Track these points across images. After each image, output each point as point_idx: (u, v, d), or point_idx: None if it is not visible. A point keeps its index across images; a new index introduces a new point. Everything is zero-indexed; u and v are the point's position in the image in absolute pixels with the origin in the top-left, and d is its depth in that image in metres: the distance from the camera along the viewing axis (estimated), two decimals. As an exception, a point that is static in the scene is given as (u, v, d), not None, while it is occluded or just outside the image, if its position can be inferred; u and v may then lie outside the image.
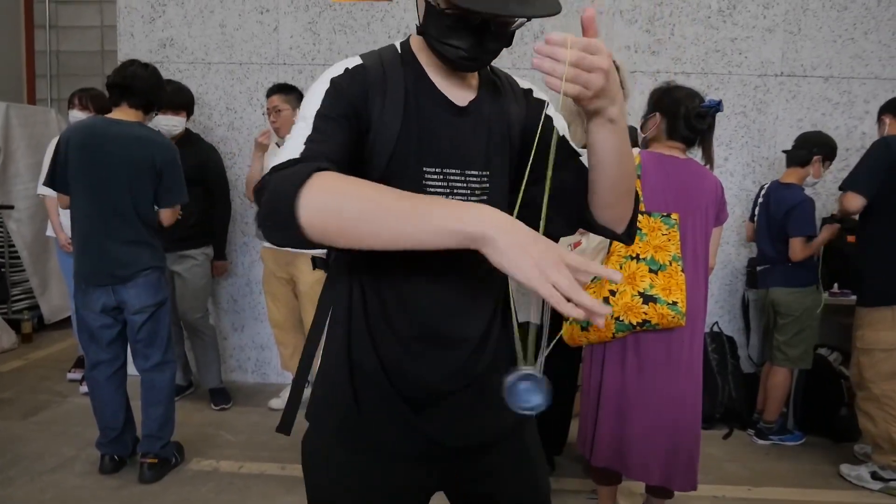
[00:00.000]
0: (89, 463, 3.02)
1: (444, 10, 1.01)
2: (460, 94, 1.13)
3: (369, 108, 1.06)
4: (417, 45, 1.14)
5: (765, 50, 3.96)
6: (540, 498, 1.30)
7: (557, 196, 1.07)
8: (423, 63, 1.13)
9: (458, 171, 1.11)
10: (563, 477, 3.06)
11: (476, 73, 1.17)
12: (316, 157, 0.93)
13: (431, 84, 1.12)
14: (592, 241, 2.31)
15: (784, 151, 3.59)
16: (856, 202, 2.98)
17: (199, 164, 3.62)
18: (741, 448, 3.51)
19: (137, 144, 2.70)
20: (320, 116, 1.00)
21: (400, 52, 1.14)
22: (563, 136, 1.18)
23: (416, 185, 1.08)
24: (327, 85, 1.04)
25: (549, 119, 1.17)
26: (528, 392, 0.93)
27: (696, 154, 2.39)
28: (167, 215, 2.86)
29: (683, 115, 2.28)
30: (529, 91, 1.24)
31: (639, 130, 2.48)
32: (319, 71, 4.02)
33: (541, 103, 1.21)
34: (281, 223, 0.88)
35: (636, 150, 2.33)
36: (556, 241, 1.10)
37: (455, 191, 1.11)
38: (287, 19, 4.09)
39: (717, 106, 2.28)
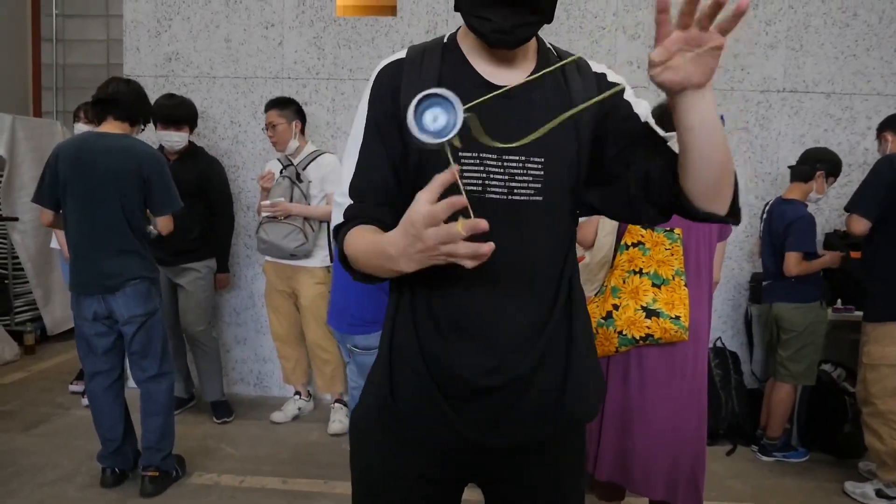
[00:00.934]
0: (90, 476, 3.02)
1: None
2: (504, 77, 1.10)
3: (402, 100, 1.07)
4: (462, 32, 1.14)
5: (767, 66, 3.97)
6: None
7: (648, 185, 1.06)
8: (465, 49, 1.12)
9: (496, 157, 1.06)
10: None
11: (532, 55, 1.14)
12: (356, 214, 1.10)
13: (470, 67, 1.11)
14: (596, 255, 2.31)
15: (789, 167, 3.59)
16: (860, 225, 2.98)
17: (203, 177, 3.64)
18: (745, 464, 3.49)
19: (124, 155, 2.74)
20: (363, 154, 1.12)
21: (445, 40, 1.15)
22: (647, 121, 1.13)
23: None
24: (366, 106, 1.12)
25: (627, 104, 1.13)
26: (432, 115, 0.84)
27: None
28: (163, 223, 2.89)
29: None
30: (603, 75, 1.17)
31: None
32: (324, 85, 4.09)
33: (617, 87, 1.12)
34: (354, 275, 1.13)
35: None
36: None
37: (491, 176, 1.06)
38: (292, 34, 4.12)
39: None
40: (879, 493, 3.04)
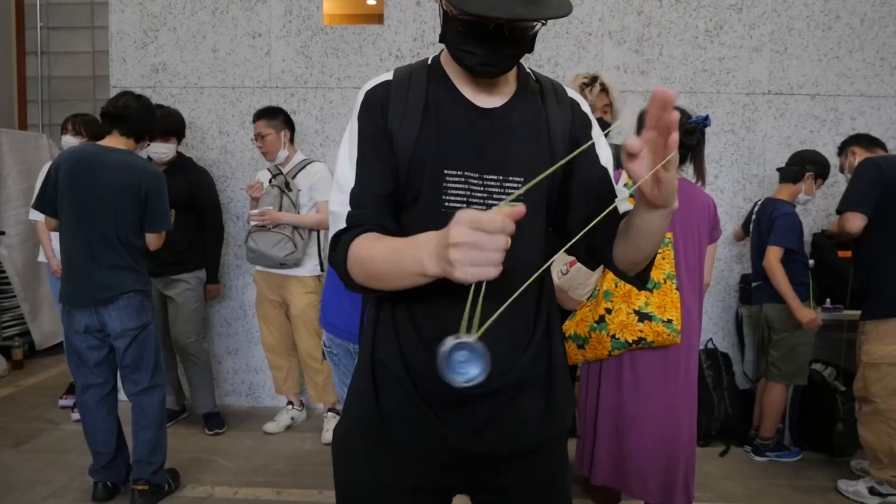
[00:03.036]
0: (82, 491, 2.98)
1: (457, 17, 1.03)
2: (487, 100, 1.14)
3: (389, 121, 1.11)
4: (446, 56, 1.17)
5: (752, 69, 4.01)
6: None
7: (590, 233, 1.10)
8: (449, 72, 1.16)
9: (477, 175, 1.11)
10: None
11: (512, 80, 1.18)
12: (360, 221, 1.09)
13: (455, 89, 1.14)
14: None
15: (777, 169, 3.62)
16: (857, 222, 2.99)
17: (191, 188, 3.63)
18: (738, 465, 3.50)
19: (125, 171, 2.74)
20: (361, 165, 1.12)
21: (430, 62, 1.18)
22: (606, 168, 1.19)
23: (436, 187, 1.10)
24: (356, 125, 1.13)
25: (592, 146, 1.17)
26: (464, 363, 0.88)
27: (689, 170, 2.41)
28: (153, 240, 2.88)
29: (672, 134, 2.30)
30: (577, 103, 1.23)
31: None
32: (312, 94, 4.09)
33: (587, 119, 1.22)
34: (350, 286, 1.11)
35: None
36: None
37: (473, 194, 1.11)
38: (279, 43, 4.12)
39: (703, 121, 2.30)
40: (872, 491, 3.05)
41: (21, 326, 5.30)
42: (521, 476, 1.20)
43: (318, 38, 4.10)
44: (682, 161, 2.38)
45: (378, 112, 1.12)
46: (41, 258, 4.01)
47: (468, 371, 0.88)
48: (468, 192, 1.11)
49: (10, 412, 4.11)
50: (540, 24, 1.04)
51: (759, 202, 3.61)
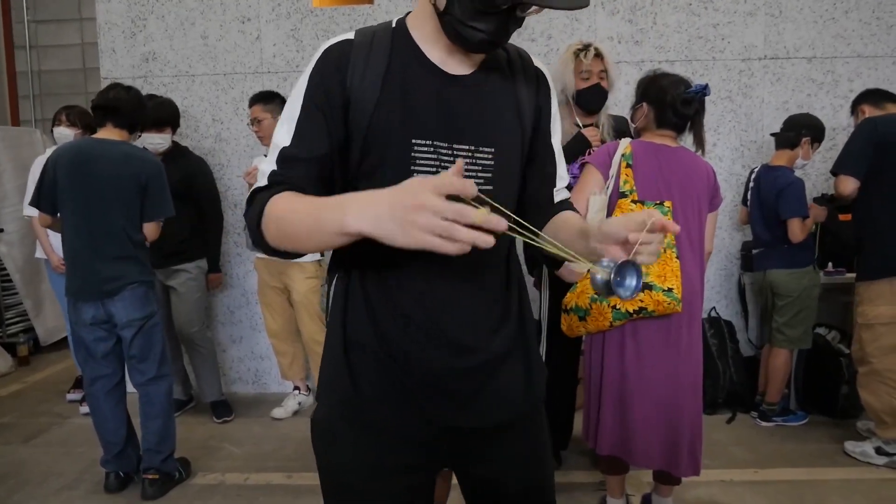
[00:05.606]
0: (94, 482, 3.01)
1: None
2: (456, 66, 1.11)
3: (348, 81, 1.06)
4: (415, 20, 1.13)
5: (747, 34, 3.97)
6: (545, 492, 1.29)
7: (528, 195, 1.19)
8: (416, 37, 1.11)
9: (447, 145, 1.08)
10: (571, 470, 3.06)
11: None
12: (282, 180, 1.04)
13: (422, 54, 1.10)
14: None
15: (772, 134, 3.60)
16: (849, 184, 3.00)
17: (188, 178, 3.61)
18: (746, 431, 3.52)
19: (123, 162, 2.75)
20: (300, 124, 1.06)
21: (395, 25, 1.14)
22: (555, 149, 1.24)
23: (404, 157, 1.06)
24: (306, 81, 1.08)
25: (549, 120, 1.21)
26: (629, 277, 0.95)
27: (688, 139, 2.39)
28: (151, 229, 2.87)
29: (670, 103, 2.28)
30: (543, 74, 1.22)
31: (629, 121, 2.48)
32: (304, 77, 4.04)
33: (549, 91, 1.22)
34: (259, 243, 1.05)
35: (627, 140, 2.34)
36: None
37: (443, 164, 1.08)
38: (269, 27, 4.08)
39: (703, 91, 2.27)
40: (879, 451, 3.07)
41: (25, 323, 5.31)
42: (504, 447, 1.21)
43: (308, 20, 4.06)
44: (681, 131, 2.36)
45: (333, 71, 1.06)
46: (39, 254, 4.00)
47: (630, 283, 0.95)
48: (437, 163, 1.07)
49: (18, 408, 4.13)
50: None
51: (756, 169, 3.59)
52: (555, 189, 1.25)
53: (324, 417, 1.20)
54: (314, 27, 4.05)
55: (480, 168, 1.10)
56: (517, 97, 1.15)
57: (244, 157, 4.10)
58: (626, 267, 0.94)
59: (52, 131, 3.71)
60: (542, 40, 3.97)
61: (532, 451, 1.25)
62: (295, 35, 4.07)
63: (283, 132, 1.07)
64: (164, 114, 3.54)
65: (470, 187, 0.79)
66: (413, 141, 1.06)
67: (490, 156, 1.10)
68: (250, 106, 3.59)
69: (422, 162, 1.06)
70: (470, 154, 1.09)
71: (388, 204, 0.80)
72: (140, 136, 3.08)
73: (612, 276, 0.94)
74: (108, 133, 2.81)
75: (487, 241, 0.77)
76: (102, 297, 2.73)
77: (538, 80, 1.21)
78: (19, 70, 6.36)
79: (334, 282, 1.17)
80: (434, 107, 1.08)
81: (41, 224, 2.96)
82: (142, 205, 2.80)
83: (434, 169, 1.07)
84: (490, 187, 1.10)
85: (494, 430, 1.18)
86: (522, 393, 1.19)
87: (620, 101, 3.46)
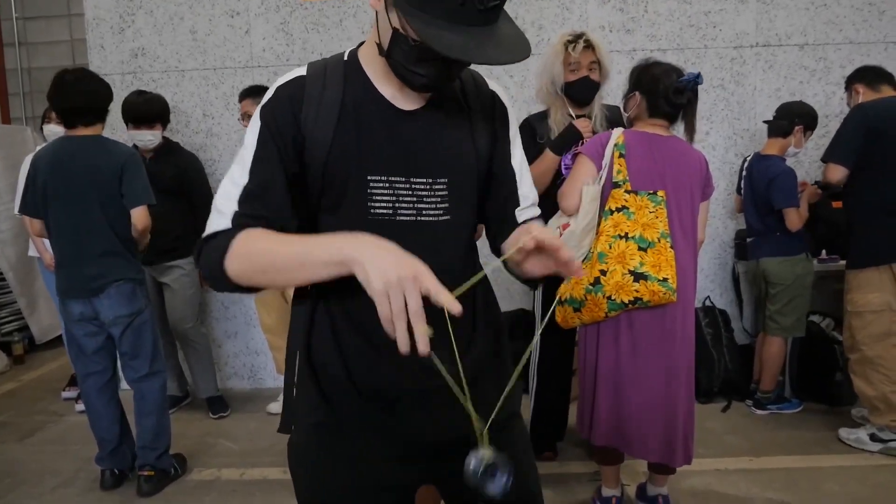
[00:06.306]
0: (90, 480, 3.00)
1: (412, 40, 0.97)
2: (407, 102, 1.10)
3: (301, 124, 1.06)
4: (366, 54, 1.12)
5: (739, 21, 3.96)
6: (530, 497, 1.26)
7: (491, 217, 1.22)
8: (368, 72, 1.11)
9: (404, 179, 1.08)
10: (567, 461, 3.07)
11: None
12: (243, 223, 1.03)
13: (374, 90, 1.10)
14: (580, 222, 2.30)
15: (765, 122, 3.59)
16: (837, 173, 3.00)
17: (180, 174, 3.59)
18: (740, 419, 3.53)
19: (99, 155, 2.74)
20: (256, 162, 1.06)
21: (346, 58, 1.13)
22: (514, 170, 1.23)
23: (360, 194, 1.06)
24: (258, 119, 1.08)
25: (508, 141, 1.21)
26: (496, 479, 0.93)
27: (681, 128, 2.38)
28: (139, 216, 2.79)
29: (662, 92, 2.27)
30: (497, 96, 1.21)
31: (622, 110, 2.47)
32: (295, 71, 4.02)
33: (505, 113, 1.22)
34: (219, 282, 1.03)
35: (619, 130, 2.33)
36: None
37: (401, 199, 1.08)
38: (258, 21, 4.05)
39: (695, 79, 2.27)
40: (873, 437, 3.08)
41: (20, 321, 5.30)
42: None
43: (297, 13, 4.03)
44: (673, 120, 2.35)
45: (287, 110, 1.06)
46: (32, 252, 3.98)
47: (498, 481, 0.93)
48: (394, 198, 1.07)
49: (13, 406, 4.12)
50: None
51: (749, 158, 3.59)
52: (517, 209, 1.23)
53: (300, 440, 1.20)
54: (303, 20, 4.03)
55: (439, 199, 1.10)
56: (472, 125, 1.15)
57: (235, 151, 4.04)
58: (500, 464, 0.93)
59: (41, 129, 3.68)
60: (534, 30, 3.95)
61: (510, 456, 1.23)
62: (284, 29, 4.04)
63: (238, 172, 1.06)
64: (154, 109, 3.51)
65: (455, 308, 0.84)
66: (368, 178, 1.06)
67: (444, 186, 1.11)
68: (241, 100, 3.58)
69: (378, 198, 1.07)
70: (428, 187, 1.09)
71: (395, 253, 0.87)
72: (131, 132, 3.02)
73: (481, 470, 0.93)
74: (81, 131, 2.78)
75: (404, 348, 0.84)
76: (89, 294, 2.73)
77: (493, 104, 1.20)
78: (9, 67, 6.33)
79: (299, 302, 1.18)
80: (389, 143, 1.07)
81: (34, 233, 2.95)
82: (122, 195, 2.77)
83: (390, 204, 1.07)
84: (448, 217, 1.11)
85: (465, 442, 1.13)
86: (497, 405, 1.12)
87: (612, 90, 3.45)
